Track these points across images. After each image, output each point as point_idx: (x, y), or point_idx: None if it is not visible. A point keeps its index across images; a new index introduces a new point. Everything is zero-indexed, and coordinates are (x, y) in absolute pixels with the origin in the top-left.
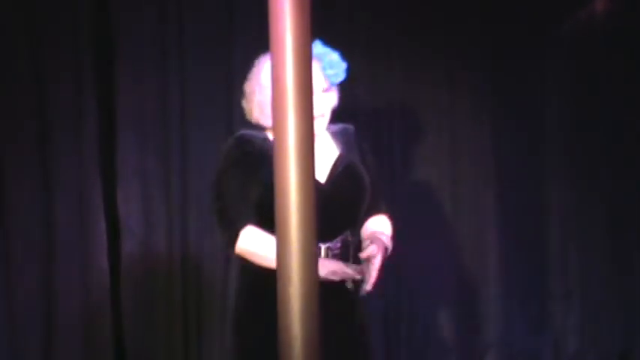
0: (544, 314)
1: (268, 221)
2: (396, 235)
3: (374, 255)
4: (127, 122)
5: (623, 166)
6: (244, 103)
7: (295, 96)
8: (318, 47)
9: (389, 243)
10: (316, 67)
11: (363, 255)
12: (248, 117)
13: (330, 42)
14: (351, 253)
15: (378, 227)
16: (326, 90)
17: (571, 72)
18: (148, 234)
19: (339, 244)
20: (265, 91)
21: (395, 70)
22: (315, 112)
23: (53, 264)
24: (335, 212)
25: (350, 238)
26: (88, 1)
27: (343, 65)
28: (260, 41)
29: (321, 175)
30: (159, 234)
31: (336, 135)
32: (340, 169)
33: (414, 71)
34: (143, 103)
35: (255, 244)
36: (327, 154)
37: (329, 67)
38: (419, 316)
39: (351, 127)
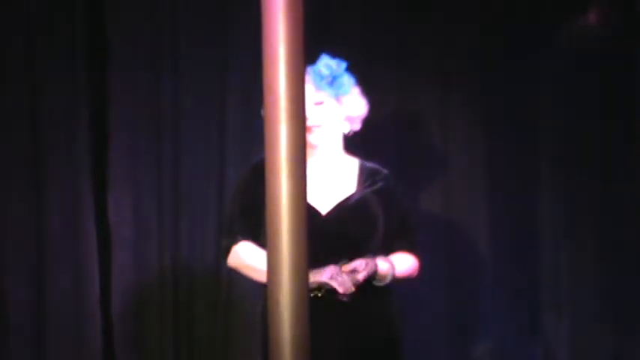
0: (535, 325)
1: None
2: (416, 275)
3: (358, 270)
4: (119, 130)
5: (615, 179)
6: None
7: (287, 105)
8: (323, 60)
9: (385, 266)
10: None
11: (349, 268)
12: None
13: (323, 52)
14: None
15: (392, 257)
16: (318, 103)
17: (567, 83)
18: (139, 243)
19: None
20: None
21: (387, 83)
22: (309, 124)
23: (44, 273)
24: (332, 245)
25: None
26: (83, 10)
27: (343, 77)
28: (254, 53)
29: (326, 207)
30: (150, 243)
31: (363, 172)
32: (348, 205)
33: (406, 84)
34: (136, 112)
35: (245, 258)
36: (341, 188)
37: (320, 78)
38: (408, 327)
39: (385, 170)
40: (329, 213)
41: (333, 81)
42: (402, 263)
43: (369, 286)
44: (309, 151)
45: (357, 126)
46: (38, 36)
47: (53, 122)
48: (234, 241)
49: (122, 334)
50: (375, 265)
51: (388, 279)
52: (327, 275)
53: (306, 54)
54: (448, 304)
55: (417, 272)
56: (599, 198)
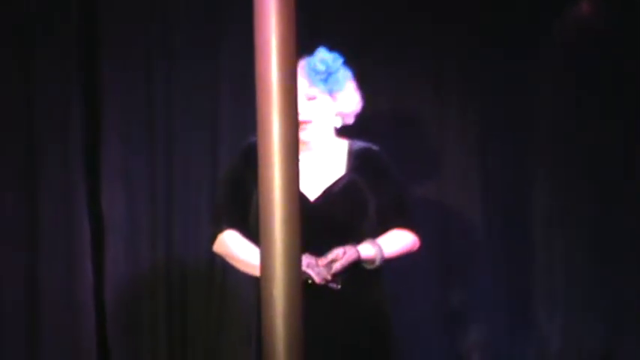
0: (528, 322)
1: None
2: (417, 249)
3: (335, 259)
4: (112, 123)
5: (614, 179)
6: None
7: (280, 97)
8: (319, 54)
9: (371, 251)
10: (300, 73)
11: (326, 260)
12: None
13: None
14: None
15: (383, 237)
16: (311, 98)
17: (567, 83)
18: (132, 235)
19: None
20: None
21: (386, 82)
22: (300, 119)
23: (37, 265)
24: (322, 231)
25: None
26: (78, 7)
27: (338, 73)
28: (247, 44)
29: (314, 192)
30: (143, 235)
31: (352, 153)
32: (336, 189)
33: (405, 83)
34: (128, 104)
35: (229, 247)
36: (330, 172)
37: (315, 73)
38: (402, 318)
39: (374, 147)
40: (317, 199)
41: (328, 77)
42: (395, 242)
43: (359, 273)
44: (300, 146)
45: (349, 120)
46: (32, 34)
47: (46, 117)
48: (220, 230)
49: (116, 326)
50: (356, 253)
51: (378, 262)
52: (303, 264)
53: (298, 46)
54: (442, 300)
55: (416, 247)
56: (598, 198)
